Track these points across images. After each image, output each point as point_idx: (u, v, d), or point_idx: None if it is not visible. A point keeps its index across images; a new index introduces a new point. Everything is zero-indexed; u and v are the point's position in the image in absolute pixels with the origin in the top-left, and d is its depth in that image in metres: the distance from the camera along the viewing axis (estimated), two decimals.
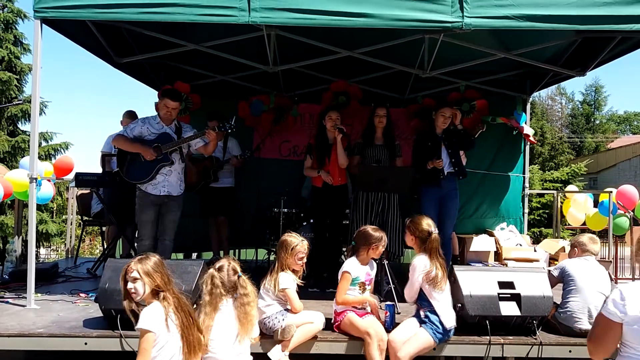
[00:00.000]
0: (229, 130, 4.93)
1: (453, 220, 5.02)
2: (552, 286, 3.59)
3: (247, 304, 2.89)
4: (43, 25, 3.81)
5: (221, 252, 5.94)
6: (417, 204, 5.19)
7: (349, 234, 5.13)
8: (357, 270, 3.47)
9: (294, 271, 3.44)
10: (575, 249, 3.80)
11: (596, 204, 7.21)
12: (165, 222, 4.59)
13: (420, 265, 3.31)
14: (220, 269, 2.92)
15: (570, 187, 10.52)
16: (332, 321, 3.44)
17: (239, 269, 2.95)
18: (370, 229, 3.55)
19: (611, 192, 6.44)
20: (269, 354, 3.20)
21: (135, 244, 4.59)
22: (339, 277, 3.46)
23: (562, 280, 3.66)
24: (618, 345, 2.13)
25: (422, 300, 3.36)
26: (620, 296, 2.03)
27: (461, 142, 5.09)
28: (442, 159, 4.93)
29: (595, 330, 2.15)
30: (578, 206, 7.22)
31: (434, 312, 3.28)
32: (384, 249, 3.55)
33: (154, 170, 4.46)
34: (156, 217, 4.55)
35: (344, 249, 5.83)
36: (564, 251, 5.93)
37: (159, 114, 4.60)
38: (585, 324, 3.43)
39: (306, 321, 3.31)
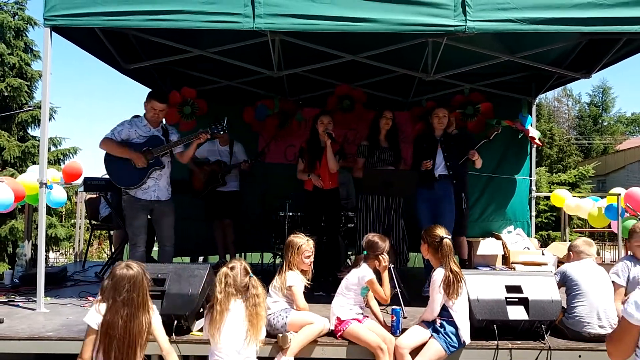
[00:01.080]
0: (221, 132, 4.78)
1: (450, 223, 4.91)
2: None
3: (258, 304, 2.96)
4: (52, 32, 3.87)
5: (227, 256, 5.97)
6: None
7: (356, 237, 5.13)
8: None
9: (303, 271, 3.49)
10: (571, 253, 3.79)
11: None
12: (162, 227, 4.52)
13: (439, 278, 3.25)
14: (232, 269, 2.98)
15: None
16: (334, 329, 3.42)
17: (249, 270, 3.03)
18: (377, 238, 3.55)
19: (619, 194, 6.39)
20: None
21: (130, 251, 4.50)
22: (364, 284, 3.40)
23: (564, 284, 3.63)
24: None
25: (441, 310, 3.30)
26: None
27: (460, 146, 5.03)
28: (435, 161, 4.85)
29: (615, 333, 2.16)
30: (584, 212, 7.15)
31: (452, 324, 3.24)
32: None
33: (146, 175, 4.39)
34: (147, 222, 4.49)
35: (350, 253, 5.83)
36: (567, 254, 5.89)
37: (145, 116, 4.51)
38: (595, 328, 3.39)
39: (307, 321, 3.31)
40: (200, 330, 3.44)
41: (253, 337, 2.89)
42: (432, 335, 3.26)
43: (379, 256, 3.49)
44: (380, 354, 3.20)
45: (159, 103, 4.45)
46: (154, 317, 2.79)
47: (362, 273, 3.43)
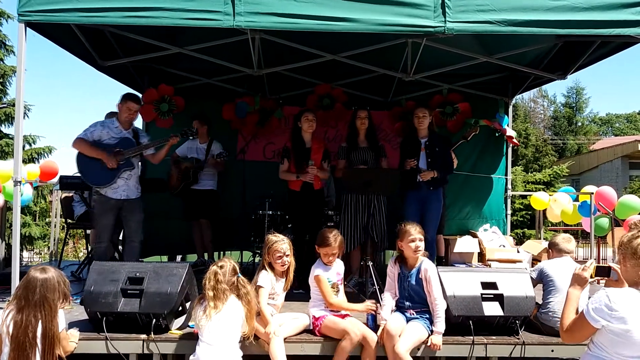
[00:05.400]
0: (191, 138, 5.10)
1: (436, 222, 5.04)
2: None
3: (250, 301, 3.09)
4: (27, 28, 3.77)
5: (205, 255, 5.95)
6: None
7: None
8: (326, 273, 3.50)
9: (282, 274, 3.48)
10: (551, 250, 3.88)
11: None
12: (130, 224, 4.66)
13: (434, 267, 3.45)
14: (221, 267, 3.08)
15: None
16: (312, 326, 3.47)
17: (238, 270, 3.13)
18: (326, 230, 3.60)
19: (592, 193, 6.57)
20: None
21: (94, 246, 4.69)
22: (313, 284, 3.46)
23: (541, 281, 3.72)
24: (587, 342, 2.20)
25: (423, 303, 3.41)
26: (608, 306, 2.05)
27: (441, 147, 5.10)
28: (418, 165, 4.92)
29: (573, 326, 2.23)
30: (558, 206, 7.35)
31: (427, 313, 3.40)
32: (340, 249, 3.57)
33: (116, 175, 4.52)
34: (115, 220, 4.62)
35: None
36: (547, 252, 6.03)
37: (118, 118, 4.65)
38: None
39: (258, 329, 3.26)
40: (179, 328, 3.43)
41: (246, 330, 3.07)
42: (410, 320, 3.39)
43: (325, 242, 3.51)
44: (346, 336, 3.22)
45: (135, 104, 4.61)
46: (60, 324, 2.86)
47: (312, 271, 3.48)
